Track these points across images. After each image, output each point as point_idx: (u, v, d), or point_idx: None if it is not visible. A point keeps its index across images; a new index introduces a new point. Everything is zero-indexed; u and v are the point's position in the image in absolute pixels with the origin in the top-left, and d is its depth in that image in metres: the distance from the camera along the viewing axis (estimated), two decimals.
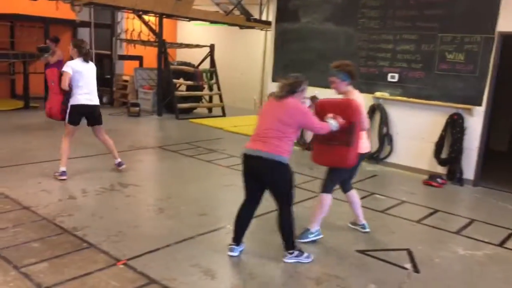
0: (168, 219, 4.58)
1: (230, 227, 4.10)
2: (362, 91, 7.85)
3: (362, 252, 4.08)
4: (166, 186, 5.71)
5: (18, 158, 6.42)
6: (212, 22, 10.02)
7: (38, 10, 11.23)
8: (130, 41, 11.80)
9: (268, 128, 3.59)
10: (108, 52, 12.74)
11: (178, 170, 6.52)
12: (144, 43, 11.90)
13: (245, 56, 14.07)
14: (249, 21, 10.20)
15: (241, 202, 3.84)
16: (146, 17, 12.51)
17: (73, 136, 5.82)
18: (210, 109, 12.35)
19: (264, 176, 3.62)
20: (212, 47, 12.07)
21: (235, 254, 3.79)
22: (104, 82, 13.40)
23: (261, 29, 11.78)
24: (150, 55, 14.39)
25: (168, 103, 11.25)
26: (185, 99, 11.44)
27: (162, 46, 10.86)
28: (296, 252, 3.76)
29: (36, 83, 10.79)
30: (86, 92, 5.70)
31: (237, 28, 13.59)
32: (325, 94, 4.54)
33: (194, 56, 12.84)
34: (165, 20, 12.03)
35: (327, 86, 4.47)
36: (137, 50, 13.18)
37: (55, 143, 7.28)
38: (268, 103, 3.84)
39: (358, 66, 7.58)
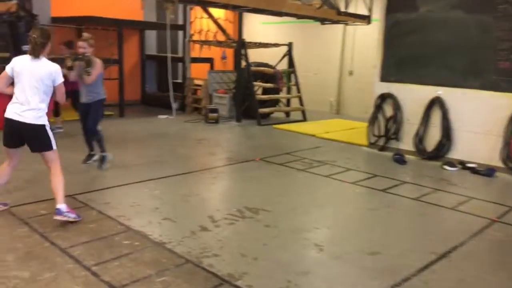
0: (335, 261, 3.60)
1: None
2: (503, 89, 6.85)
3: None
4: (302, 212, 4.73)
5: (115, 176, 5.64)
6: (300, 17, 9.04)
7: (108, 12, 10.64)
8: (204, 42, 10.98)
9: None
10: (176, 55, 12.05)
11: (301, 189, 5.55)
12: (220, 43, 11.06)
13: (318, 55, 13.03)
14: (340, 15, 9.16)
15: None
16: (215, 15, 11.74)
17: (11, 163, 4.22)
18: (287, 113, 11.39)
19: None
20: (290, 45, 11.11)
21: None
22: (175, 87, 12.79)
23: (347, 24, 10.70)
24: (217, 57, 13.65)
25: (245, 108, 10.36)
26: (262, 103, 10.52)
27: (242, 47, 9.96)
28: None
29: (109, 87, 10.11)
30: (19, 101, 3.96)
31: (308, 25, 12.60)
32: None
33: (262, 56, 11.91)
34: (227, 19, 11.23)
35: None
36: (205, 52, 12.42)
37: (163, 155, 6.60)
38: None
39: (496, 60, 6.44)
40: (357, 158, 7.27)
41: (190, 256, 3.52)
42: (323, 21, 10.27)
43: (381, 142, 7.74)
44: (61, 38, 10.38)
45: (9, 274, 3.16)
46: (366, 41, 12.05)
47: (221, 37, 11.73)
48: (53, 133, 4.18)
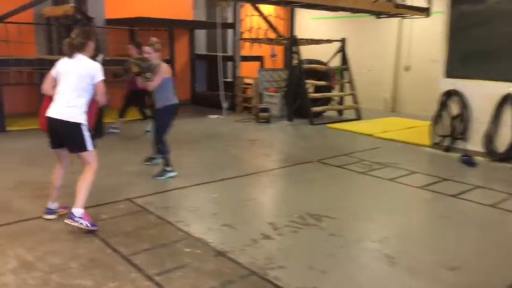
0: (411, 276, 3.30)
1: None
2: None
3: None
4: (368, 219, 4.44)
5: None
6: (355, 12, 8.69)
7: (159, 12, 10.70)
8: (254, 40, 10.81)
9: None
10: (226, 54, 11.97)
11: (364, 194, 5.25)
12: (271, 41, 10.86)
13: (372, 50, 12.53)
14: (397, 8, 8.71)
15: None
16: (265, 13, 11.54)
17: (62, 165, 4.19)
18: (340, 112, 11.03)
19: None
20: (343, 41, 10.73)
21: None
22: (225, 86, 12.72)
23: (404, 17, 10.20)
24: (267, 55, 13.45)
25: (297, 107, 10.10)
26: (314, 101, 10.21)
27: (294, 43, 9.70)
28: None
29: None
30: (57, 100, 3.92)
31: (361, 19, 12.15)
32: None
33: (313, 53, 11.56)
34: (278, 16, 10.98)
35: None
36: (254, 50, 12.25)
37: (213, 157, 6.53)
38: None
39: None
40: (420, 159, 6.85)
41: (254, 267, 3.33)
42: (379, 14, 9.85)
43: (446, 142, 7.27)
44: (115, 40, 10.56)
45: (73, 282, 3.09)
46: (425, 34, 11.47)
47: (271, 35, 11.52)
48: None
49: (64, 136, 3.94)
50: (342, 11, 8.38)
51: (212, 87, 13.31)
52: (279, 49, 14.37)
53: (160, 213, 4.36)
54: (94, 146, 3.99)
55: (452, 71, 7.15)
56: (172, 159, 6.22)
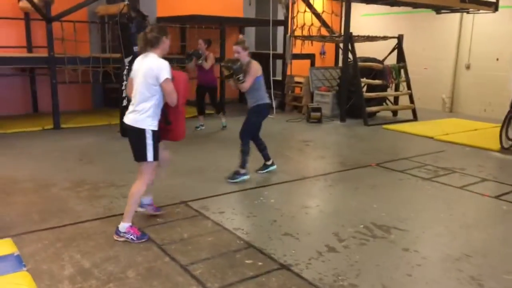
0: None
1: None
2: None
3: None
4: (443, 232, 4.03)
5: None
6: (416, 7, 8.19)
7: (210, 10, 10.59)
8: (306, 38, 10.47)
9: None
10: (275, 52, 11.69)
11: (434, 203, 4.83)
12: (324, 38, 10.50)
13: (429, 48, 11.91)
14: (463, 2, 8.15)
15: None
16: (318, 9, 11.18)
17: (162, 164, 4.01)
18: (394, 112, 10.52)
19: None
20: (400, 38, 10.21)
21: None
22: (274, 84, 12.46)
23: (468, 12, 9.58)
24: (316, 53, 13.09)
25: (349, 107, 9.69)
26: (368, 101, 9.77)
27: (349, 41, 9.30)
28: None
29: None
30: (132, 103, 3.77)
31: (416, 15, 11.57)
32: None
33: (366, 51, 11.04)
34: (333, 12, 10.56)
35: None
36: (305, 47, 11.91)
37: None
38: None
39: None
40: (490, 165, 6.32)
41: (322, 284, 3.05)
42: (440, 10, 9.30)
43: None
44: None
45: None
46: (487, 31, 10.77)
47: (324, 32, 11.14)
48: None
49: (130, 142, 3.76)
50: (404, 5, 7.90)
51: None
52: (329, 47, 13.97)
53: (217, 219, 4.16)
54: (156, 157, 3.70)
55: None
56: (226, 160, 6.04)
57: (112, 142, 7.29)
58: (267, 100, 5.35)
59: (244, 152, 5.26)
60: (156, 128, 3.66)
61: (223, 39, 9.97)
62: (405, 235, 3.89)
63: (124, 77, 7.47)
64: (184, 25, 10.29)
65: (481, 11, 9.02)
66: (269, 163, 5.67)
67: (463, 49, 11.39)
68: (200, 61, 8.08)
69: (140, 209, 4.13)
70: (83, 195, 4.76)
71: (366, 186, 5.28)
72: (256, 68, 5.15)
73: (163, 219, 4.13)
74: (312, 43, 10.58)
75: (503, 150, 6.88)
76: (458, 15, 11.02)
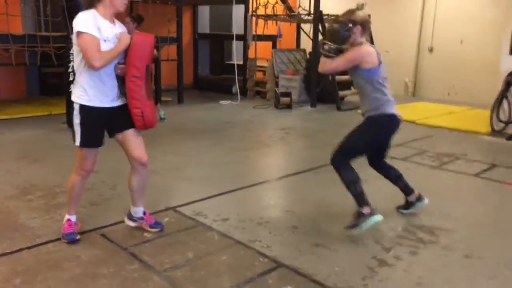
0: None
1: None
2: None
3: None
4: (497, 232, 3.43)
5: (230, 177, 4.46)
6: None
7: None
8: (270, 17, 9.65)
9: None
10: (229, 33, 10.81)
11: (463, 195, 4.26)
12: (291, 17, 9.73)
13: (391, 30, 11.50)
14: None
15: None
16: None
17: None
18: None
19: None
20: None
21: None
22: (229, 69, 11.55)
23: None
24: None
25: (319, 91, 9.07)
26: (338, 85, 9.17)
27: (320, 21, 8.61)
28: None
29: (166, 70, 8.94)
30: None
31: None
32: None
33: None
34: None
35: None
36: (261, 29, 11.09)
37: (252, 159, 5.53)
38: None
39: None
40: (489, 149, 5.92)
41: None
42: None
43: (510, 129, 6.36)
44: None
45: None
46: (450, 13, 10.54)
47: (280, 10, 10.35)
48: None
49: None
50: None
51: (216, 70, 12.16)
52: (285, 29, 13.25)
53: (222, 229, 3.28)
54: (84, 143, 2.87)
55: None
56: (205, 154, 5.15)
57: (57, 135, 6.11)
58: (389, 110, 3.23)
59: (350, 183, 3.23)
60: (86, 103, 2.81)
61: (180, 16, 8.88)
62: (455, 237, 3.24)
63: (71, 57, 6.25)
64: None
65: None
66: (411, 200, 3.60)
67: (425, 31, 11.12)
68: None
69: (130, 223, 3.23)
70: (36, 204, 3.67)
71: (375, 178, 4.55)
72: (360, 54, 3.13)
73: (151, 233, 3.18)
74: (277, 23, 9.78)
75: (494, 133, 6.53)
76: None
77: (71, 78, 6.30)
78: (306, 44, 10.73)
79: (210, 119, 7.60)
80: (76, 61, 2.81)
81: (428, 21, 11.03)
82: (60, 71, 6.98)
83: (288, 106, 8.79)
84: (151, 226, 3.18)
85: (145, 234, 3.17)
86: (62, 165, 4.78)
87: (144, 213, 3.22)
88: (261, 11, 9.68)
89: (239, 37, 10.08)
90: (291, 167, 4.96)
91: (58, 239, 3.03)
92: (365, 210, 3.15)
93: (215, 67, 12.15)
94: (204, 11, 11.57)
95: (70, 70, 6.26)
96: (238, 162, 5.09)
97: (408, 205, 3.61)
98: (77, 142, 2.86)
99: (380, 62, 3.18)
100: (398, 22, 11.38)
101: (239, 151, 5.57)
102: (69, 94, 6.33)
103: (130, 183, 3.11)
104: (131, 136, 2.95)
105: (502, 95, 6.40)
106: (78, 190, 3.06)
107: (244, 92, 10.10)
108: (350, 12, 3.20)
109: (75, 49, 2.79)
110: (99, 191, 4.01)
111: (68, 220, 3.05)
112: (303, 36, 10.93)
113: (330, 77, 8.71)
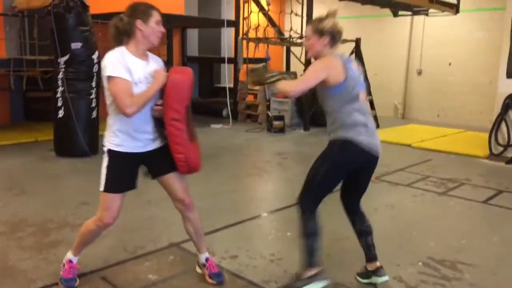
0: None
1: None
2: None
3: None
4: (508, 266, 3.31)
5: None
6: (386, 6, 7.68)
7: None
8: (261, 40, 9.56)
9: None
10: (219, 56, 10.72)
11: (472, 224, 4.13)
12: (283, 41, 9.67)
13: (379, 53, 11.55)
14: (432, 2, 7.78)
15: None
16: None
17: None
18: None
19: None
20: (358, 41, 9.69)
21: None
22: (218, 92, 11.39)
23: (427, 15, 9.30)
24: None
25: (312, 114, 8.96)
26: None
27: None
28: None
29: None
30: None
31: (367, 20, 11.24)
32: None
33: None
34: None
35: None
36: (252, 51, 11.03)
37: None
38: None
39: None
40: (491, 174, 5.80)
41: None
42: (398, 12, 8.97)
43: (509, 153, 6.31)
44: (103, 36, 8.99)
45: None
46: (438, 36, 10.64)
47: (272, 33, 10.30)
48: None
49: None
50: (378, 5, 7.32)
51: (205, 94, 11.99)
52: (274, 51, 13.21)
53: (232, 267, 3.04)
54: (108, 188, 2.59)
55: None
56: (202, 183, 4.91)
57: (45, 164, 5.82)
58: (356, 136, 2.64)
59: (309, 236, 2.73)
60: (115, 148, 2.56)
61: (170, 39, 8.73)
62: (480, 273, 3.07)
63: (59, 82, 6.01)
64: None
65: (445, 13, 8.72)
66: (370, 269, 2.89)
67: (414, 54, 11.19)
68: None
69: (198, 270, 2.96)
70: (28, 243, 3.38)
71: (385, 207, 4.44)
72: (319, 67, 2.65)
73: (157, 275, 2.93)
74: (268, 46, 9.70)
75: (492, 156, 6.46)
76: (408, 20, 10.82)
77: (59, 104, 6.09)
78: (296, 66, 10.71)
79: (203, 144, 7.20)
80: (107, 103, 2.57)
81: (416, 44, 11.12)
82: (46, 95, 6.70)
83: (281, 130, 8.64)
84: (210, 277, 2.83)
85: (150, 276, 2.92)
86: (52, 196, 4.52)
87: (207, 259, 2.89)
88: (252, 34, 9.59)
89: (229, 60, 9.97)
90: (295, 195, 4.74)
91: (55, 284, 2.75)
92: (311, 271, 2.69)
93: (204, 90, 11.98)
94: (193, 34, 11.45)
95: (58, 95, 6.05)
96: (240, 191, 4.88)
97: (366, 274, 2.87)
98: (101, 187, 2.58)
99: (346, 78, 2.59)
100: (387, 45, 11.44)
101: (239, 179, 5.36)
102: (57, 120, 6.14)
103: (186, 230, 2.87)
104: (174, 181, 2.68)
105: (501, 118, 6.36)
106: (91, 238, 2.77)
107: (235, 116, 9.92)
108: (319, 20, 2.70)
109: (105, 91, 2.54)
110: None
111: (70, 261, 2.76)
112: (292, 58, 10.89)
113: None
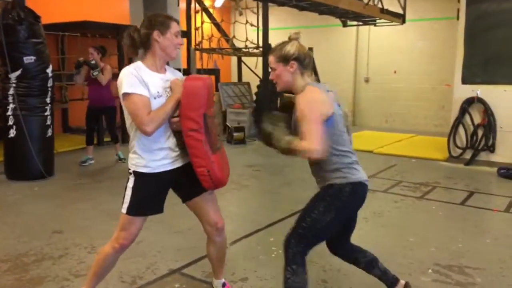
0: None
1: None
2: None
3: None
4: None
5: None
6: (345, 16, 7.84)
7: (96, 16, 8.78)
8: (214, 51, 9.41)
9: None
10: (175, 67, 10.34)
11: (458, 225, 4.22)
12: (238, 51, 9.56)
13: (329, 63, 11.82)
14: (382, 13, 8.07)
15: None
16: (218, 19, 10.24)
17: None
18: None
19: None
20: (311, 50, 9.81)
21: None
22: None
23: (375, 25, 9.64)
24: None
25: None
26: None
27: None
28: None
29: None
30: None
31: (314, 30, 11.47)
32: None
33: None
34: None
35: None
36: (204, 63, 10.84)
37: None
38: None
39: None
40: (456, 176, 6.04)
41: None
42: (346, 23, 9.24)
43: (467, 155, 6.63)
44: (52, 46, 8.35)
45: None
46: (382, 45, 11.11)
47: (224, 44, 10.21)
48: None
49: None
50: (334, 16, 7.47)
51: None
52: (221, 62, 13.09)
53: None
54: (132, 211, 2.38)
55: (471, 77, 6.55)
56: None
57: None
58: (355, 176, 2.36)
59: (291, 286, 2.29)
60: (142, 170, 2.34)
61: (122, 51, 8.32)
62: (490, 276, 3.12)
63: (10, 99, 5.48)
64: (75, 33, 8.38)
65: (393, 23, 9.07)
66: None
67: (361, 63, 11.59)
68: (95, 73, 6.16)
69: None
70: (7, 282, 2.97)
71: (373, 215, 4.45)
72: (314, 109, 2.23)
73: None
74: (223, 57, 9.58)
75: (452, 159, 6.76)
76: (354, 30, 11.17)
77: (10, 122, 5.56)
78: (248, 77, 10.66)
79: None
80: (127, 123, 2.34)
81: (363, 53, 11.52)
82: None
83: (242, 141, 8.52)
84: None
85: None
86: (18, 226, 4.06)
87: (224, 285, 2.72)
88: (205, 45, 9.42)
89: (184, 72, 9.69)
90: (283, 209, 4.60)
91: None
92: None
93: None
94: None
95: (9, 113, 5.51)
96: (225, 208, 4.66)
97: None
98: (124, 209, 2.35)
99: (333, 112, 2.26)
100: (335, 54, 11.74)
101: (220, 195, 5.11)
102: (8, 139, 5.58)
103: (208, 253, 2.65)
104: (202, 202, 2.49)
105: (458, 122, 6.68)
106: (108, 265, 2.49)
107: None
108: (280, 46, 2.33)
109: (124, 110, 2.30)
110: (77, 256, 3.39)
111: None
112: (244, 68, 10.84)
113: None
